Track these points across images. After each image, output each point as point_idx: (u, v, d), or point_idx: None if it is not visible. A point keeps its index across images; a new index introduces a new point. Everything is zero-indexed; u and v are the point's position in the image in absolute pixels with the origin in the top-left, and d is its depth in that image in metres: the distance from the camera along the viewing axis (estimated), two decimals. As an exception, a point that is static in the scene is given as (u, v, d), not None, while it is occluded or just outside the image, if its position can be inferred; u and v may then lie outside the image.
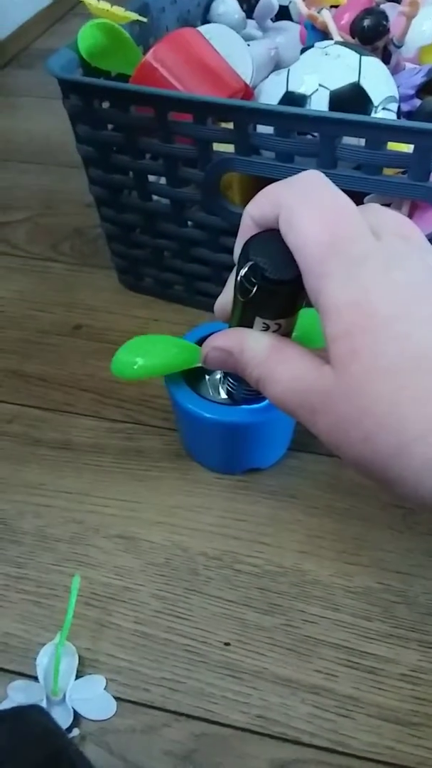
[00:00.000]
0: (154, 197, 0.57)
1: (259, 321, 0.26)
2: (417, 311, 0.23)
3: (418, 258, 0.24)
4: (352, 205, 0.25)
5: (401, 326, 0.22)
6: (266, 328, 0.27)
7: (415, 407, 0.21)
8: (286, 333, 0.27)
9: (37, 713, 0.34)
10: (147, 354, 0.43)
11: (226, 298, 0.28)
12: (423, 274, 0.24)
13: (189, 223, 0.57)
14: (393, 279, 0.23)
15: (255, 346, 0.27)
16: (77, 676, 0.39)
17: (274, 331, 0.27)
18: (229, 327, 0.28)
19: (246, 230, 0.27)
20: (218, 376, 0.45)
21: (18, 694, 0.38)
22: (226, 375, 0.39)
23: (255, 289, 0.25)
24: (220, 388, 0.45)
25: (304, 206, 0.25)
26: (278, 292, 0.25)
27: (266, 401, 0.43)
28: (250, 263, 0.25)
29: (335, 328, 0.24)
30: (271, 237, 0.25)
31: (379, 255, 0.24)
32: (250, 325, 0.26)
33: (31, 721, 0.33)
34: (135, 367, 0.42)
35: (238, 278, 0.25)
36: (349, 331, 0.23)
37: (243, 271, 0.25)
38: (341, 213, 0.24)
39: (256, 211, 0.26)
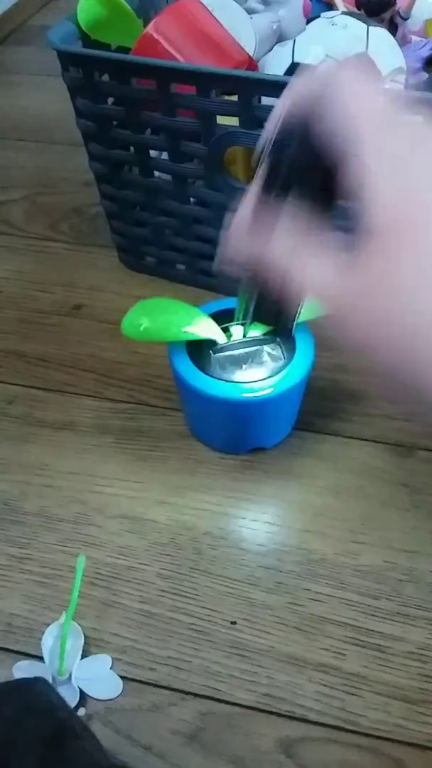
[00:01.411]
0: (156, 173, 0.56)
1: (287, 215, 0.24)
2: None
3: None
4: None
5: None
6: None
7: None
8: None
9: (42, 685, 0.33)
10: (154, 317, 0.43)
11: (244, 211, 0.26)
12: None
13: (191, 199, 0.56)
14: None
15: (285, 242, 0.24)
16: (83, 656, 0.39)
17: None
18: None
19: (278, 112, 0.25)
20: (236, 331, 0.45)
21: (23, 674, 0.38)
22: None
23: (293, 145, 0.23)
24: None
25: (354, 84, 0.23)
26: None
27: (271, 381, 0.43)
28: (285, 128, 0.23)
29: (381, 218, 0.22)
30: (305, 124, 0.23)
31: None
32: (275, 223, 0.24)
33: (36, 693, 0.33)
34: (141, 328, 0.42)
35: (269, 148, 0.24)
36: (397, 221, 0.21)
37: (276, 135, 0.24)
38: (391, 101, 0.23)
39: (302, 86, 0.25)
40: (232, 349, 0.45)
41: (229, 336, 0.45)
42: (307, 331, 0.46)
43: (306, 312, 0.43)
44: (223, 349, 0.45)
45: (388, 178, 0.22)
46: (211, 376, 0.43)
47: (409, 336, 0.21)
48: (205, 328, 0.43)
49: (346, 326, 0.22)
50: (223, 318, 0.46)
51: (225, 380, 0.43)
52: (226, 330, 0.45)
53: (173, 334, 0.43)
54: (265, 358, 0.45)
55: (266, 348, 0.46)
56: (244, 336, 0.45)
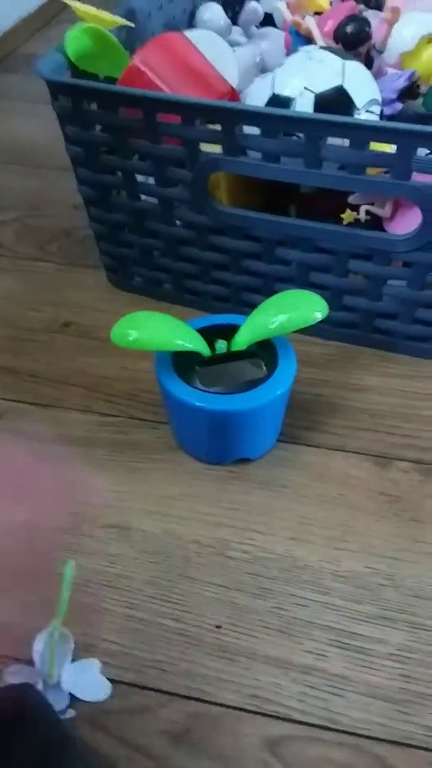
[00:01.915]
0: (143, 197, 0.58)
1: None
2: None
3: None
4: None
5: None
6: None
7: None
8: None
9: (31, 692, 0.34)
10: (143, 328, 0.45)
11: None
12: None
13: (177, 222, 0.58)
14: None
15: None
16: (72, 660, 0.40)
17: None
18: None
19: None
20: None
21: (14, 678, 0.39)
22: None
23: None
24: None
25: None
26: None
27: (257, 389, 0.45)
28: None
29: None
30: None
31: None
32: None
33: (25, 700, 0.34)
34: (130, 339, 0.44)
35: None
36: None
37: None
38: None
39: None
40: (217, 363, 0.47)
41: (214, 350, 0.47)
42: (289, 346, 0.48)
43: (287, 325, 0.45)
44: (207, 362, 0.47)
45: None
46: (196, 389, 0.45)
47: None
48: (191, 340, 0.45)
49: None
50: (208, 333, 0.48)
51: (209, 392, 0.45)
52: (211, 344, 0.47)
53: (160, 344, 0.45)
54: (249, 371, 0.47)
55: (249, 362, 0.48)
56: (229, 350, 0.47)
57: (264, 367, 0.47)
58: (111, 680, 0.39)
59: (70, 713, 0.38)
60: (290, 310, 0.46)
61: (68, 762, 0.33)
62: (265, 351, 0.48)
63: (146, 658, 0.40)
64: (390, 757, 0.37)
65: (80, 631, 0.41)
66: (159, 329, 0.45)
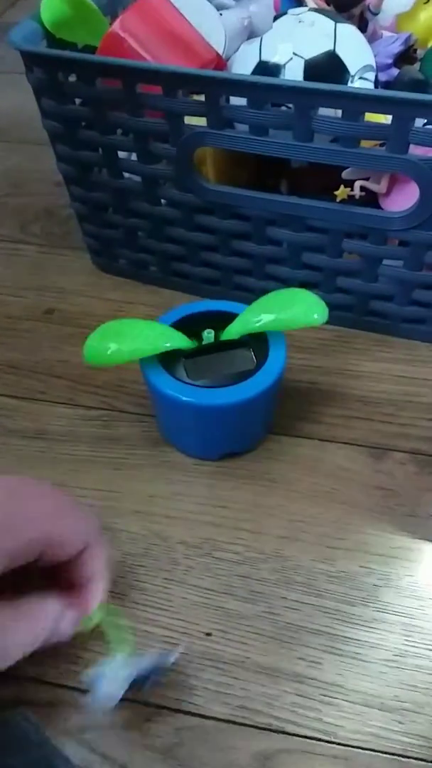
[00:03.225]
0: (125, 174, 0.55)
1: None
2: None
3: None
4: None
5: None
6: None
7: None
8: None
9: (22, 720, 0.33)
10: (120, 338, 0.42)
11: None
12: None
13: (162, 201, 0.55)
14: None
15: None
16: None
17: None
18: None
19: None
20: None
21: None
22: None
23: None
24: None
25: None
26: None
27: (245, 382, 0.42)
28: None
29: None
30: None
31: None
32: None
33: (16, 728, 0.32)
34: (108, 352, 0.41)
35: None
36: None
37: None
38: None
39: None
40: (203, 354, 0.45)
41: (200, 340, 0.45)
42: (280, 334, 0.45)
43: (281, 324, 0.42)
44: (193, 354, 0.44)
45: None
46: (183, 382, 0.43)
47: None
48: (173, 340, 0.43)
49: None
50: (193, 322, 0.45)
51: (196, 386, 0.42)
52: (197, 334, 0.45)
53: (142, 351, 0.42)
54: (237, 362, 0.44)
55: (238, 352, 0.45)
56: (216, 340, 0.45)
57: (254, 358, 0.45)
58: (94, 693, 0.38)
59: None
60: (288, 310, 0.44)
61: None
62: (255, 339, 0.45)
63: (131, 668, 0.38)
64: (386, 770, 0.35)
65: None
66: (138, 335, 0.42)
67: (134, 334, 0.42)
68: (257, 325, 0.44)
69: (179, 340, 0.43)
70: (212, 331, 0.45)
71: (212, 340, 0.45)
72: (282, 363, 0.43)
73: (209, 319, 0.46)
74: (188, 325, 0.45)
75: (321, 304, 0.44)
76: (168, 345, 0.42)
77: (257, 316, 0.44)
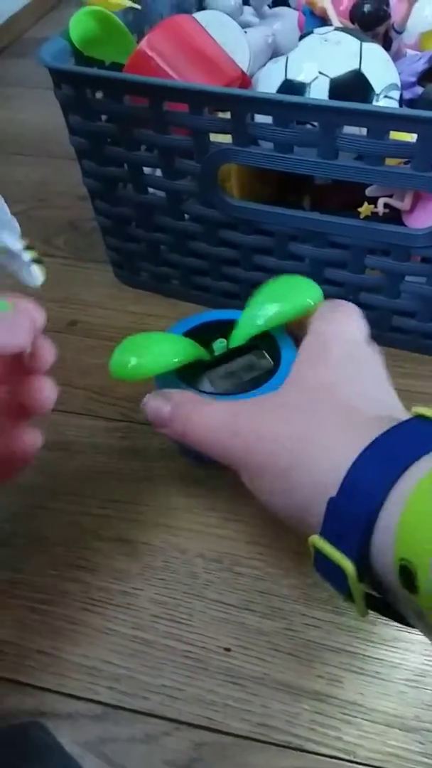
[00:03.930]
0: (150, 190, 0.56)
1: None
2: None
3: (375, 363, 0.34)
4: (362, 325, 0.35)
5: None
6: None
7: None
8: None
9: (38, 730, 0.33)
10: (141, 352, 0.42)
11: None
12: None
13: (186, 216, 0.56)
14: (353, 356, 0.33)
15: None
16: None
17: None
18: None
19: None
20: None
21: None
22: None
23: None
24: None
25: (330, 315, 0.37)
26: None
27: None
28: None
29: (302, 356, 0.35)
30: None
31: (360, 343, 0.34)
32: None
33: (32, 738, 0.32)
34: (129, 366, 0.41)
35: None
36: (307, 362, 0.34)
37: None
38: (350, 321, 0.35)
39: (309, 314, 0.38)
40: (222, 364, 0.44)
41: (212, 351, 0.44)
42: (286, 336, 0.44)
43: (280, 317, 0.42)
44: (212, 365, 0.44)
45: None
46: (206, 392, 0.42)
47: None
48: (190, 352, 0.42)
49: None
50: (203, 333, 0.45)
51: (221, 394, 0.42)
52: (208, 345, 0.44)
53: (162, 366, 0.41)
54: (255, 365, 0.44)
55: (253, 355, 0.45)
56: (228, 348, 0.44)
57: (269, 358, 0.44)
58: (115, 706, 0.38)
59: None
60: (282, 300, 0.43)
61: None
62: (264, 341, 0.44)
63: (151, 683, 0.38)
64: (407, 792, 0.35)
65: (82, 652, 0.40)
66: (157, 350, 0.42)
67: (155, 349, 0.42)
68: (260, 325, 0.42)
69: (199, 353, 0.43)
70: (224, 341, 0.44)
71: (224, 348, 0.44)
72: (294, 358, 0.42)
73: (213, 329, 0.45)
74: (202, 335, 0.44)
75: (312, 286, 0.42)
76: (188, 358, 0.42)
77: (256, 316, 0.42)
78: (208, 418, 0.33)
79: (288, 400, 0.32)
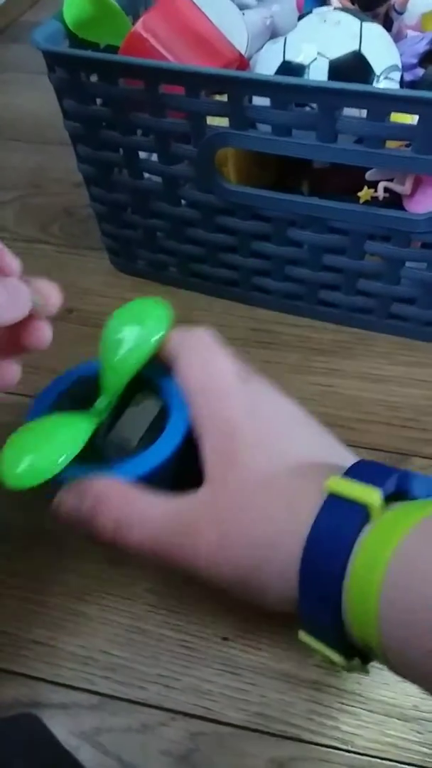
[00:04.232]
0: (146, 175, 0.55)
1: None
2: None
3: (274, 398, 0.33)
4: (227, 355, 0.34)
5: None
6: None
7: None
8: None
9: (33, 722, 0.33)
10: (34, 450, 0.33)
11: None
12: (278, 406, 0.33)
13: (182, 201, 0.55)
14: (254, 411, 0.31)
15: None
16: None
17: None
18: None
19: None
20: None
21: None
22: None
23: None
24: None
25: (190, 353, 0.34)
26: None
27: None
28: None
29: (212, 445, 0.31)
30: None
31: (243, 392, 0.32)
32: None
33: (28, 730, 0.32)
34: (17, 471, 0.32)
35: None
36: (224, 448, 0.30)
37: None
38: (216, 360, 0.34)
39: (163, 352, 0.35)
40: (112, 423, 0.38)
41: (99, 413, 0.37)
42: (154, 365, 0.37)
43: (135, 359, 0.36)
44: (101, 430, 0.37)
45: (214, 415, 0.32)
46: (106, 461, 0.35)
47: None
48: (84, 428, 0.34)
49: (195, 548, 0.29)
50: (77, 395, 0.39)
51: (129, 458, 0.34)
52: (90, 405, 0.37)
53: (58, 466, 0.32)
54: (147, 409, 0.37)
55: (137, 401, 0.38)
56: (111, 403, 0.37)
57: (156, 394, 0.37)
58: (111, 696, 0.37)
59: None
60: (134, 340, 0.36)
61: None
62: (135, 377, 0.37)
63: (148, 672, 0.38)
64: (405, 781, 0.35)
65: (79, 643, 0.39)
66: (50, 442, 0.33)
67: (47, 442, 0.34)
68: (126, 374, 0.36)
69: (90, 422, 0.35)
70: (104, 398, 0.37)
71: (106, 403, 0.37)
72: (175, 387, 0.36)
73: (80, 389, 0.39)
74: (80, 397, 0.38)
75: (158, 309, 0.36)
76: (85, 436, 0.34)
77: (117, 366, 0.36)
78: (151, 523, 0.30)
79: (230, 491, 0.29)
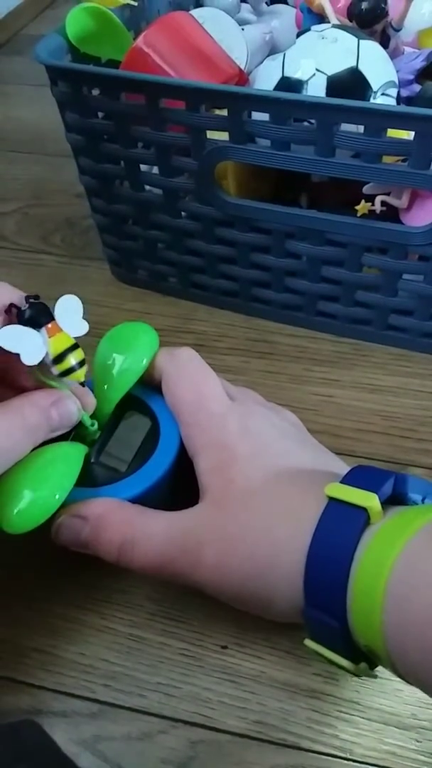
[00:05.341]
0: (147, 187, 0.56)
1: None
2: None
3: (262, 414, 0.34)
4: (214, 376, 0.35)
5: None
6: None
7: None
8: None
9: (31, 728, 0.33)
10: (33, 488, 0.32)
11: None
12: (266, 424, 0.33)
13: (183, 213, 0.56)
14: (246, 428, 0.32)
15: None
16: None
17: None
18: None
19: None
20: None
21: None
22: None
23: None
24: None
25: (179, 375, 0.36)
26: None
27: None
28: None
29: (208, 463, 0.32)
30: None
31: (232, 410, 0.33)
32: None
33: (25, 737, 0.32)
34: (14, 512, 0.31)
35: None
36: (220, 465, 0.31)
37: None
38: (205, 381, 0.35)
39: (151, 371, 0.37)
40: (103, 447, 0.37)
41: (87, 436, 0.37)
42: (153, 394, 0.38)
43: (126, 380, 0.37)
44: (92, 452, 0.37)
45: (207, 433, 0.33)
46: (100, 481, 0.35)
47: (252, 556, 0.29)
48: (76, 457, 0.34)
49: (199, 560, 0.30)
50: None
51: (122, 477, 0.35)
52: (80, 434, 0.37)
53: (55, 503, 0.32)
54: (137, 429, 0.38)
55: (127, 420, 0.38)
56: (100, 426, 0.37)
57: (144, 412, 0.38)
58: (111, 704, 0.38)
59: None
60: (123, 362, 0.37)
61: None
62: (124, 398, 0.37)
63: (147, 680, 0.38)
64: (403, 790, 0.35)
65: (79, 650, 0.40)
66: (48, 477, 0.32)
67: (45, 477, 0.32)
68: (115, 397, 0.37)
69: (80, 450, 0.35)
70: (94, 422, 0.36)
71: (96, 426, 0.37)
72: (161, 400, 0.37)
73: None
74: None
75: (145, 333, 0.38)
76: (78, 464, 0.33)
77: (105, 393, 0.37)
78: (154, 540, 0.31)
79: (224, 510, 0.30)
